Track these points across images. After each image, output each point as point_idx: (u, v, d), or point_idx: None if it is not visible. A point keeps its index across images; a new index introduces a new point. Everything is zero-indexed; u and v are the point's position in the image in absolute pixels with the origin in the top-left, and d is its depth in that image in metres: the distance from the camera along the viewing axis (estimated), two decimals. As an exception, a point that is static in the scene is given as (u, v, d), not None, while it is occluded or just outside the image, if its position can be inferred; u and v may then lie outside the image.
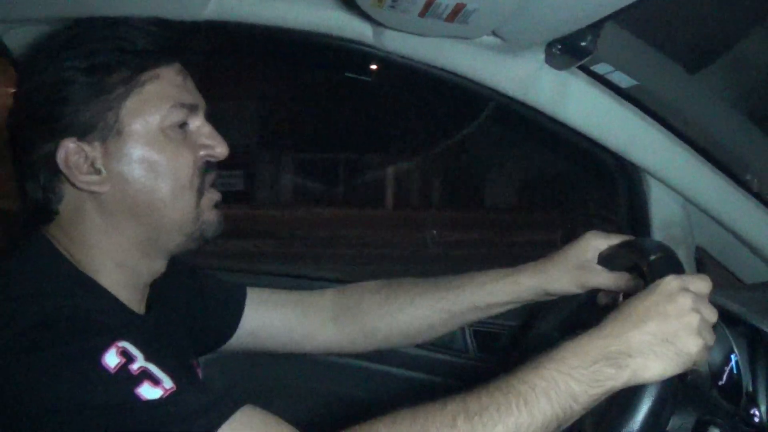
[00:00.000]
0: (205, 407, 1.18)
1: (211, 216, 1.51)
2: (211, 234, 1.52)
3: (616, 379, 1.24)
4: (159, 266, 1.55)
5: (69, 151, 1.38)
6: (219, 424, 1.16)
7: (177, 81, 1.47)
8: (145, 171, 1.41)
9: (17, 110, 1.44)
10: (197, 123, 1.50)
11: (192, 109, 1.48)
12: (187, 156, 1.45)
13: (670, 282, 1.31)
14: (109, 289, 1.43)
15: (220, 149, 1.51)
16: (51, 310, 1.23)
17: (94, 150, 1.39)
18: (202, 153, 1.49)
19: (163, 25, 1.49)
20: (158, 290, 1.59)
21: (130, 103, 1.40)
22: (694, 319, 1.27)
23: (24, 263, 1.39)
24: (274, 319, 1.87)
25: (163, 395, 1.16)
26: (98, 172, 1.39)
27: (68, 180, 1.40)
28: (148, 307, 1.56)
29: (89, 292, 1.39)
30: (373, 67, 2.46)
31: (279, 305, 1.88)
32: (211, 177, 1.51)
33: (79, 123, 1.38)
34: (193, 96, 1.50)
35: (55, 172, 1.40)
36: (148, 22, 1.47)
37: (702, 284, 1.36)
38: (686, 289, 1.30)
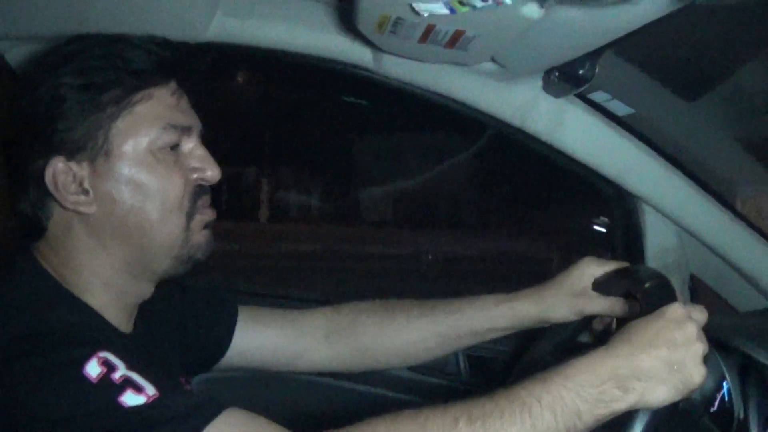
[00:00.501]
0: (189, 410, 1.18)
1: (200, 238, 1.50)
2: (202, 255, 1.51)
3: (622, 401, 1.24)
4: (146, 289, 1.54)
5: (57, 170, 1.38)
6: (204, 426, 1.16)
7: (170, 102, 1.46)
8: (134, 193, 1.41)
9: (13, 124, 1.45)
10: (190, 145, 1.49)
11: (185, 131, 1.47)
12: (176, 178, 1.44)
13: (677, 309, 1.32)
14: (96, 309, 1.42)
15: (212, 173, 1.50)
16: (33, 323, 1.24)
17: (82, 170, 1.39)
18: (194, 176, 1.48)
19: (162, 43, 1.48)
20: (147, 309, 1.58)
21: (121, 124, 1.39)
22: (699, 348, 1.29)
23: (8, 280, 1.39)
24: (266, 337, 1.85)
25: (146, 401, 1.16)
26: (86, 192, 1.39)
27: (55, 199, 1.40)
28: (136, 326, 1.55)
29: (74, 308, 1.38)
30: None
31: (271, 324, 1.86)
32: (204, 200, 1.50)
33: (70, 141, 1.38)
34: (186, 117, 1.48)
35: (45, 190, 1.39)
36: (147, 41, 1.46)
37: (700, 315, 1.37)
38: (690, 318, 1.32)
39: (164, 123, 1.43)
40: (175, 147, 1.45)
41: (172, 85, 1.47)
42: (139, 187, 1.41)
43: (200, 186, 1.49)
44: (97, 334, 1.32)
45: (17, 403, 1.15)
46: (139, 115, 1.41)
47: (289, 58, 1.99)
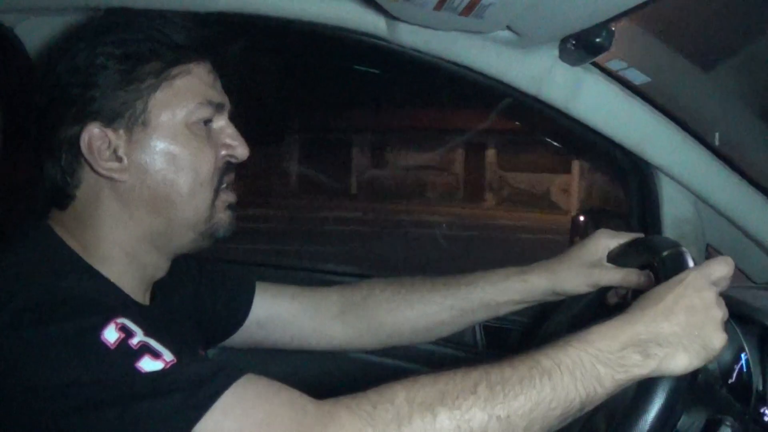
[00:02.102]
0: (207, 376, 1.17)
1: (224, 216, 1.51)
2: (222, 234, 1.52)
3: (642, 366, 1.23)
4: (164, 264, 1.55)
5: (93, 135, 1.38)
6: (222, 391, 1.15)
7: (207, 79, 1.48)
8: (167, 164, 1.42)
9: (45, 90, 1.44)
10: (221, 123, 1.51)
11: (218, 108, 1.49)
12: (208, 153, 1.45)
13: (696, 275, 1.31)
14: (114, 280, 1.43)
15: (242, 150, 1.51)
16: (49, 290, 1.23)
17: (118, 138, 1.40)
18: (223, 153, 1.49)
19: (199, 22, 1.50)
20: (164, 284, 1.59)
21: (160, 95, 1.41)
22: (718, 314, 1.28)
23: (22, 249, 1.39)
24: (281, 313, 1.87)
25: (164, 367, 1.15)
26: (120, 159, 1.40)
27: (89, 165, 1.40)
28: (153, 299, 1.57)
29: (90, 277, 1.39)
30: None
31: (287, 300, 1.88)
32: (230, 177, 1.52)
33: (107, 109, 1.39)
34: (220, 95, 1.50)
35: (77, 156, 1.40)
36: (185, 18, 1.49)
37: (725, 266, 1.36)
38: (710, 284, 1.31)
39: (201, 98, 1.44)
40: (207, 123, 1.47)
41: (208, 63, 1.50)
42: (173, 159, 1.42)
43: (228, 163, 1.51)
44: (114, 301, 1.35)
45: (34, 369, 1.15)
46: (178, 88, 1.43)
47: (302, 27, 1.97)
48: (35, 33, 1.93)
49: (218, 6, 1.83)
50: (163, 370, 1.15)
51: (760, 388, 1.57)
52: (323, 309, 1.89)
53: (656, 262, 1.44)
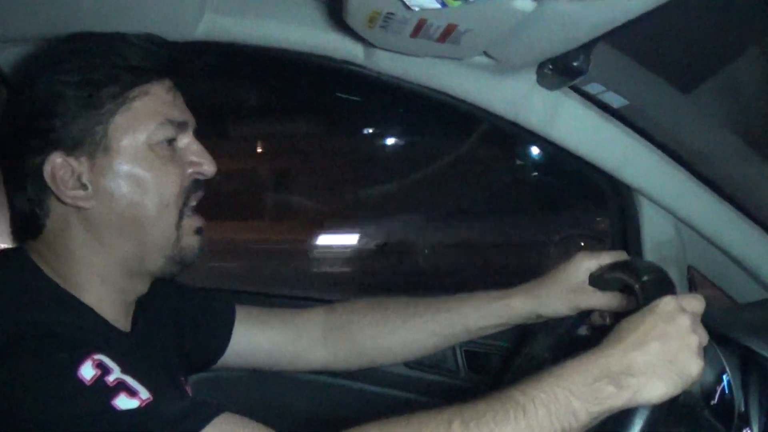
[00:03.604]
0: (182, 415, 1.18)
1: (191, 241, 1.51)
2: (191, 259, 1.52)
3: (616, 398, 1.23)
4: (142, 287, 1.54)
5: (56, 165, 1.38)
6: (197, 431, 1.16)
7: (166, 98, 1.47)
8: (132, 187, 1.41)
9: (8, 122, 1.45)
10: (186, 140, 1.50)
11: (181, 126, 1.48)
12: (173, 173, 1.45)
13: (669, 302, 1.31)
14: (93, 307, 1.42)
15: (208, 167, 1.51)
16: (27, 324, 1.23)
17: (81, 165, 1.39)
18: (190, 170, 1.49)
19: (158, 41, 1.50)
20: (145, 308, 1.59)
21: (119, 119, 1.41)
22: (694, 341, 1.27)
23: (3, 279, 1.39)
24: (263, 338, 1.86)
25: (140, 405, 1.15)
26: (84, 187, 1.40)
27: (54, 194, 1.40)
28: (134, 324, 1.55)
29: (69, 307, 1.39)
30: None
31: (268, 324, 1.87)
32: (198, 195, 1.52)
33: (68, 137, 1.38)
34: (182, 113, 1.50)
35: (43, 186, 1.40)
36: (144, 39, 1.48)
37: (696, 303, 1.36)
38: (684, 310, 1.30)
39: (161, 118, 1.44)
40: (171, 142, 1.47)
41: (168, 82, 1.49)
42: (138, 182, 1.42)
43: (196, 181, 1.51)
44: (93, 334, 1.34)
45: (8, 404, 1.15)
46: (137, 110, 1.42)
47: (280, 55, 1.98)
48: (15, 61, 1.93)
49: (195, 35, 1.83)
50: (138, 408, 1.15)
51: (743, 409, 1.57)
52: (305, 334, 1.88)
53: (637, 286, 1.44)
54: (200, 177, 1.51)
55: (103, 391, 1.15)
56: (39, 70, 1.44)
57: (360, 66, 1.96)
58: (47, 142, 1.38)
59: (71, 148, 1.39)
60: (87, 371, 1.16)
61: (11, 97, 1.50)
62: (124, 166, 1.41)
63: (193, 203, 1.51)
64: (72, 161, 1.39)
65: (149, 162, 1.42)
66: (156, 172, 1.43)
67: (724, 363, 1.63)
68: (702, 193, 2.09)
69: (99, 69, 1.41)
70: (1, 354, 1.18)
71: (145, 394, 1.17)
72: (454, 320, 1.80)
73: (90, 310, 1.41)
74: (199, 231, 1.52)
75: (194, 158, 1.50)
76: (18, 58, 1.90)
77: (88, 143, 1.39)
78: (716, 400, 1.65)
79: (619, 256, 1.69)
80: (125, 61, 1.42)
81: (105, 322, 1.44)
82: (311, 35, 1.89)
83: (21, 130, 1.41)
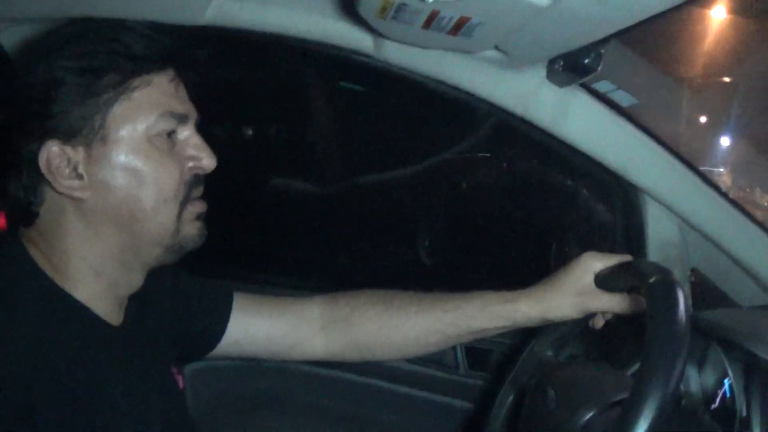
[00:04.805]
0: None
1: (191, 229, 1.49)
2: (190, 247, 1.50)
3: None
4: (137, 279, 1.53)
5: (51, 153, 1.36)
6: None
7: (168, 89, 1.45)
8: (129, 179, 1.39)
9: (7, 107, 1.42)
10: (186, 133, 1.48)
11: (182, 119, 1.46)
12: (172, 167, 1.43)
13: None
14: (85, 302, 1.41)
15: (208, 161, 1.49)
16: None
17: (77, 154, 1.37)
18: (190, 165, 1.47)
19: (161, 30, 1.47)
20: (139, 298, 1.56)
21: (118, 109, 1.38)
22: None
23: None
24: (260, 326, 1.83)
25: None
26: (80, 177, 1.37)
27: (49, 183, 1.37)
28: (126, 317, 1.53)
29: (57, 306, 1.37)
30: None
31: (266, 313, 1.85)
32: (198, 190, 1.50)
33: (65, 125, 1.36)
34: (183, 105, 1.47)
35: (38, 174, 1.38)
36: (147, 27, 1.45)
37: None
38: None
39: (162, 110, 1.42)
40: (171, 134, 1.44)
41: (170, 72, 1.46)
42: (135, 174, 1.39)
43: (196, 175, 1.49)
44: (79, 331, 1.35)
45: None
46: (137, 101, 1.40)
47: (288, 42, 1.96)
48: (19, 41, 1.91)
49: (203, 20, 1.81)
50: None
51: (744, 414, 1.56)
52: (304, 324, 1.86)
53: (644, 288, 1.43)
54: (200, 171, 1.49)
55: None
56: (39, 54, 1.41)
57: (369, 56, 1.95)
58: (44, 128, 1.36)
59: (68, 136, 1.36)
60: None
61: (12, 79, 1.46)
62: (121, 157, 1.38)
63: (195, 196, 1.49)
64: (68, 150, 1.37)
65: (147, 154, 1.40)
66: (154, 164, 1.40)
67: (727, 366, 1.62)
68: (707, 195, 2.08)
69: (100, 56, 1.38)
70: None
71: None
72: (459, 321, 1.78)
73: (80, 307, 1.40)
74: (200, 217, 1.51)
75: (194, 152, 1.48)
76: (21, 38, 1.89)
77: (86, 132, 1.37)
78: (717, 403, 1.64)
79: (625, 258, 1.68)
80: (127, 49, 1.40)
81: (95, 317, 1.42)
82: (320, 23, 1.87)
83: (18, 115, 1.39)
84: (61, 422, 1.25)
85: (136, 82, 1.40)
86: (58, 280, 1.39)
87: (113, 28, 1.43)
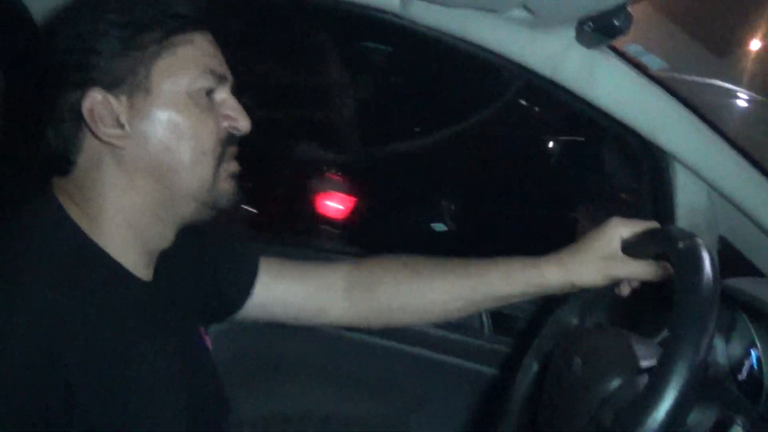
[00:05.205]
0: None
1: (227, 186, 1.49)
2: (225, 204, 1.50)
3: None
4: (168, 235, 1.52)
5: (95, 101, 1.36)
6: None
7: (209, 49, 1.46)
8: (168, 132, 1.40)
9: (47, 56, 1.42)
10: (223, 95, 1.49)
11: (221, 79, 1.47)
12: (210, 123, 1.44)
13: None
14: (116, 256, 1.41)
15: (244, 123, 1.49)
16: None
17: (120, 104, 1.37)
18: (225, 124, 1.47)
19: None
20: (168, 257, 1.56)
21: (162, 63, 1.39)
22: None
23: (27, 225, 1.38)
24: (286, 291, 1.83)
25: None
26: (121, 126, 1.37)
27: (90, 131, 1.38)
28: (156, 274, 1.53)
29: (90, 260, 1.38)
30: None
31: (292, 277, 1.85)
32: (233, 150, 1.50)
33: (109, 75, 1.36)
34: (222, 67, 1.48)
35: (78, 122, 1.38)
36: None
37: None
38: None
39: (204, 67, 1.43)
40: (210, 93, 1.45)
41: (209, 35, 1.48)
42: (175, 127, 1.40)
43: (231, 135, 1.49)
44: (112, 280, 1.36)
45: None
46: (180, 57, 1.41)
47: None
48: (48, 10, 1.90)
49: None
50: None
51: (772, 385, 1.54)
52: (329, 289, 1.85)
53: (672, 255, 1.40)
54: (235, 132, 1.50)
55: None
56: (82, 7, 1.41)
57: (395, 15, 1.93)
58: (88, 78, 1.36)
59: (112, 86, 1.37)
60: None
61: (48, 32, 1.45)
62: (162, 110, 1.39)
63: (230, 155, 1.50)
64: (111, 99, 1.37)
65: (187, 108, 1.41)
66: (193, 119, 1.41)
67: (755, 336, 1.60)
68: (736, 162, 2.05)
69: (145, 12, 1.39)
70: None
71: None
72: (483, 287, 1.77)
73: (112, 261, 1.41)
74: (234, 176, 1.51)
75: (231, 112, 1.48)
76: (49, 7, 1.88)
77: (129, 83, 1.37)
78: (744, 374, 1.62)
79: (652, 224, 1.65)
80: (171, 7, 1.41)
81: (126, 272, 1.43)
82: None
83: (61, 65, 1.39)
84: (91, 376, 1.25)
85: (179, 39, 1.41)
86: (91, 233, 1.40)
87: None
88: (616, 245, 1.64)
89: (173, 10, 1.41)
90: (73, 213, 1.40)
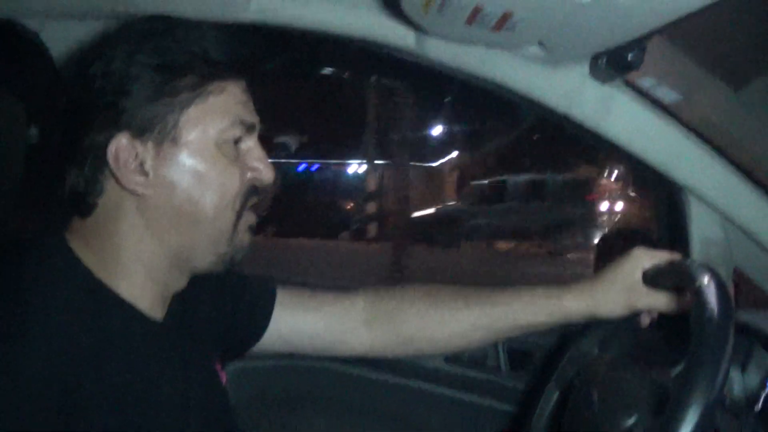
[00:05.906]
0: None
1: (244, 238, 1.48)
2: (240, 257, 1.49)
3: None
4: (183, 281, 1.52)
5: (121, 146, 1.34)
6: None
7: (242, 98, 1.44)
8: (193, 182, 1.38)
9: (75, 93, 1.41)
10: (250, 144, 1.47)
11: (249, 128, 1.45)
12: (235, 174, 1.42)
13: None
14: (129, 298, 1.40)
15: (268, 174, 1.48)
16: None
17: (146, 151, 1.36)
18: (249, 175, 1.46)
19: (238, 39, 1.47)
20: (181, 295, 1.55)
21: (193, 111, 1.37)
22: None
23: (37, 272, 1.34)
24: (304, 322, 1.82)
25: None
26: (146, 174, 1.36)
27: (114, 175, 1.36)
28: (169, 313, 1.52)
29: (101, 303, 1.36)
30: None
31: (309, 306, 1.84)
32: (253, 201, 1.49)
33: (138, 120, 1.35)
34: (252, 116, 1.47)
35: (102, 165, 1.36)
36: (222, 31, 1.45)
37: None
38: None
39: (234, 117, 1.41)
40: (236, 143, 1.44)
41: (243, 82, 1.46)
42: (200, 177, 1.39)
43: (253, 186, 1.48)
44: (122, 324, 1.35)
45: None
46: (212, 105, 1.39)
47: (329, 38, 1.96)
48: (60, 38, 1.92)
49: (246, 16, 1.82)
50: None
51: (788, 416, 1.55)
52: (349, 319, 1.85)
53: (693, 290, 1.42)
54: (258, 183, 1.48)
55: None
56: (115, 46, 1.39)
57: (411, 53, 1.94)
58: (116, 121, 1.35)
59: (139, 131, 1.35)
60: None
61: (77, 69, 1.44)
62: (189, 160, 1.38)
63: (249, 207, 1.48)
64: (138, 145, 1.36)
65: (214, 159, 1.39)
66: (219, 170, 1.40)
67: (771, 368, 1.61)
68: (752, 194, 2.06)
69: (178, 56, 1.38)
70: None
71: None
72: (507, 316, 1.77)
73: (124, 302, 1.39)
74: (251, 228, 1.50)
75: (256, 163, 1.47)
76: (63, 35, 1.90)
77: (157, 130, 1.36)
78: (760, 405, 1.62)
79: (674, 256, 1.66)
80: (205, 52, 1.40)
81: (138, 313, 1.42)
82: (363, 19, 1.87)
83: (88, 104, 1.38)
84: (108, 418, 1.25)
85: (212, 86, 1.40)
86: (101, 275, 1.38)
87: (191, 29, 1.42)
88: (638, 275, 1.65)
89: (208, 55, 1.40)
90: (83, 255, 1.39)
